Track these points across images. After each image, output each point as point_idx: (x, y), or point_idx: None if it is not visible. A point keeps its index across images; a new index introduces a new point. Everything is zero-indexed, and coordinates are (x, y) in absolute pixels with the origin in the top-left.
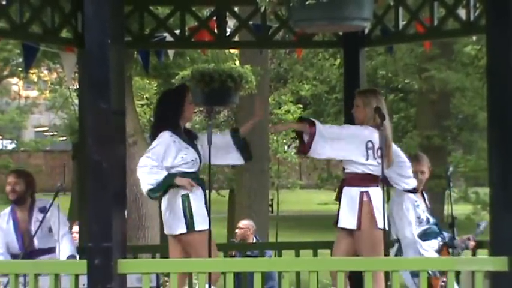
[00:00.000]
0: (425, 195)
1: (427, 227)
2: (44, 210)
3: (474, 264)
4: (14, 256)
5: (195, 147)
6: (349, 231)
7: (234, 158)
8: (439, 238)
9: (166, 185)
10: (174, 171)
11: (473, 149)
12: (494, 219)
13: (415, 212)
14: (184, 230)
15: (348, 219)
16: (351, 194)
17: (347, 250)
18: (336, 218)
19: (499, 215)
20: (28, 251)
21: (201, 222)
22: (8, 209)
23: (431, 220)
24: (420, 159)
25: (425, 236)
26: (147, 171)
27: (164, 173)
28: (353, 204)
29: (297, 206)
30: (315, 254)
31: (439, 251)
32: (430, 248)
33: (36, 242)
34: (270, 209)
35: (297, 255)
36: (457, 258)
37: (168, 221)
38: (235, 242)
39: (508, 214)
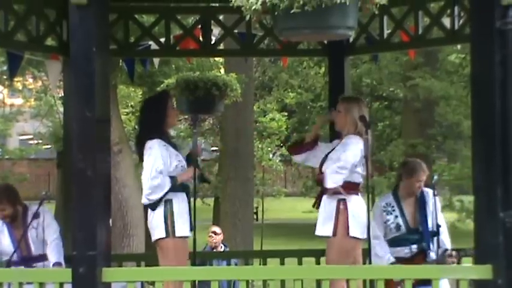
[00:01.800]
0: (425, 198)
1: (396, 234)
2: (37, 216)
3: (458, 273)
4: (11, 262)
5: (181, 153)
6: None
7: None
8: (412, 246)
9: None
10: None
11: (458, 157)
12: (479, 227)
13: (381, 218)
14: (163, 235)
15: (324, 227)
16: (330, 202)
17: None
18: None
19: (483, 223)
20: (25, 257)
21: (181, 228)
22: None
23: (403, 227)
24: (424, 169)
25: (393, 242)
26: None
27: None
28: (331, 212)
29: (282, 214)
30: (300, 262)
31: (408, 260)
32: (387, 254)
33: (33, 248)
34: (255, 216)
35: (282, 263)
36: (441, 267)
37: (150, 227)
38: (214, 251)
39: (492, 222)
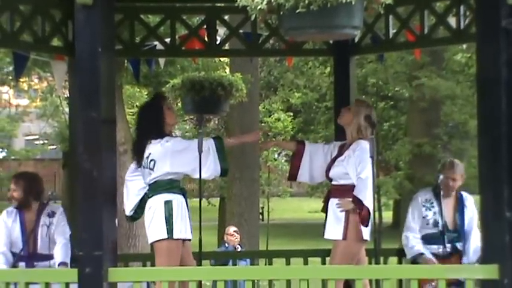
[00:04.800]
0: (465, 202)
1: (433, 231)
2: (52, 215)
3: (464, 272)
4: (16, 255)
5: None
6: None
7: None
8: (446, 245)
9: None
10: (167, 177)
11: (464, 156)
12: (485, 227)
13: (420, 212)
14: (164, 236)
15: (334, 230)
16: (334, 204)
17: None
18: (323, 230)
19: (490, 222)
20: (30, 254)
21: (180, 231)
22: (14, 207)
23: (440, 225)
24: (455, 167)
25: (427, 239)
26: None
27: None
28: (340, 215)
29: (288, 214)
30: (306, 262)
31: (443, 258)
32: (426, 251)
33: (39, 246)
34: (261, 217)
35: (288, 263)
36: (447, 266)
37: (150, 228)
38: (232, 250)
39: (498, 222)
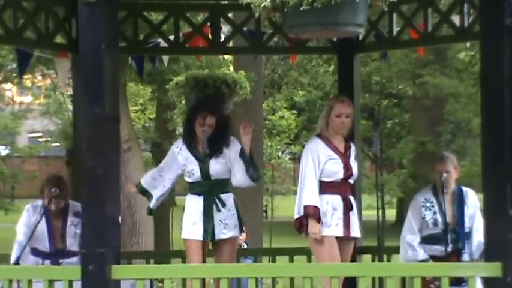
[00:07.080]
0: (465, 198)
1: (434, 231)
2: (78, 215)
3: (468, 270)
4: (41, 253)
5: (204, 160)
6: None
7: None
8: (447, 246)
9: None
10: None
11: (467, 154)
12: (488, 224)
13: (419, 213)
14: (183, 235)
15: (358, 228)
16: (355, 203)
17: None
18: (345, 229)
19: (493, 220)
20: (57, 250)
21: (187, 232)
22: (40, 202)
23: (440, 224)
24: (445, 160)
25: (429, 240)
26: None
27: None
28: (356, 213)
29: (291, 212)
30: (309, 260)
31: (442, 259)
32: (423, 252)
33: (68, 243)
34: (264, 214)
35: (291, 260)
36: (450, 264)
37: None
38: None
39: (501, 220)
